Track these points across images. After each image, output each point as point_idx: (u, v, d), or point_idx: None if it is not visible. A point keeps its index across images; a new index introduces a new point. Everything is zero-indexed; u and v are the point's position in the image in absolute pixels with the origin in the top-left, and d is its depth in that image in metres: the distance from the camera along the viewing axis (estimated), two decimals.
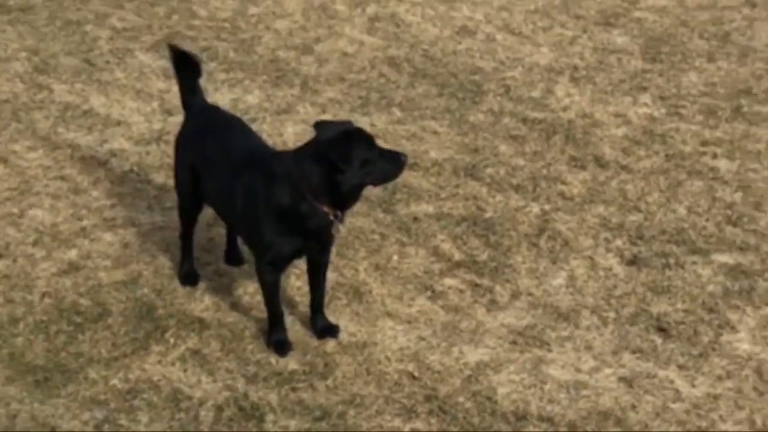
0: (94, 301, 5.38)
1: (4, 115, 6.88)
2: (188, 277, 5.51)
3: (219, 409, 4.81)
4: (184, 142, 5.38)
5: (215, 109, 5.50)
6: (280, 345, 5.11)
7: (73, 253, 5.69)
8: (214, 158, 5.15)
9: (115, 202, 6.08)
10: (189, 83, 5.40)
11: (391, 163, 4.85)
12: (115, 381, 4.93)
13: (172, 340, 5.17)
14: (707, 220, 6.15)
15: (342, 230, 4.97)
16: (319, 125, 4.94)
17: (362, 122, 6.90)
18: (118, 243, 5.77)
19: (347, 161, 4.71)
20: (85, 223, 5.91)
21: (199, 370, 5.01)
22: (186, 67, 5.40)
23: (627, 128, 7.01)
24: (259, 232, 4.93)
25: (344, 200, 4.85)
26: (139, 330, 5.22)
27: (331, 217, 4.85)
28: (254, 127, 5.73)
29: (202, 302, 5.40)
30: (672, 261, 5.81)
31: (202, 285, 5.50)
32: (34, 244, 5.76)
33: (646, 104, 7.30)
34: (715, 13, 8.59)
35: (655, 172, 6.56)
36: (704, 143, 6.87)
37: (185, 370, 5.00)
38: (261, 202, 4.88)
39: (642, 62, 7.83)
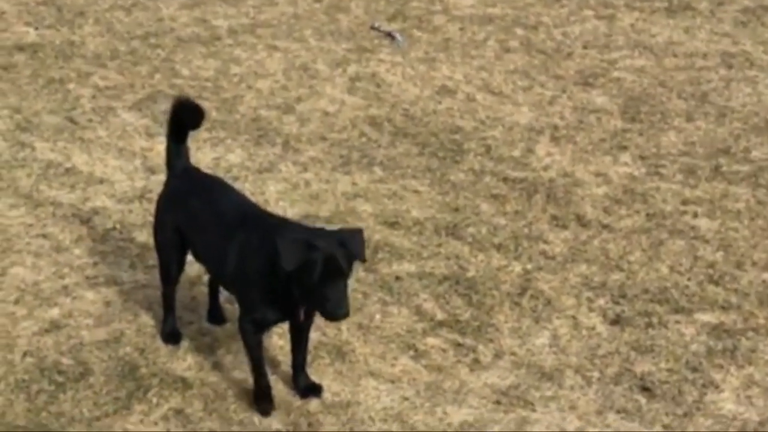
0: (76, 360, 5.34)
1: None
2: (171, 335, 5.49)
3: None
4: (167, 202, 5.37)
5: (197, 171, 5.48)
6: (263, 398, 5.05)
7: (54, 312, 5.66)
8: (204, 218, 5.14)
9: (98, 260, 6.06)
10: (178, 142, 5.35)
11: (326, 304, 4.66)
12: None
13: (154, 400, 5.13)
14: (689, 279, 6.18)
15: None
16: (349, 231, 4.87)
17: (344, 181, 6.93)
18: (100, 301, 5.74)
19: (287, 263, 4.61)
20: (67, 281, 5.89)
21: (181, 429, 4.97)
22: (184, 122, 5.30)
23: (608, 187, 7.05)
24: (249, 293, 4.91)
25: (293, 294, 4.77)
26: (121, 389, 5.18)
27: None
28: (236, 185, 5.74)
29: (185, 361, 5.37)
30: (655, 320, 5.82)
31: (184, 344, 5.47)
32: (16, 302, 5.72)
33: (626, 163, 7.35)
34: (693, 74, 8.69)
35: (637, 231, 6.60)
36: (685, 202, 6.91)
37: (168, 430, 4.96)
38: (253, 264, 4.86)
39: (621, 122, 7.90)
